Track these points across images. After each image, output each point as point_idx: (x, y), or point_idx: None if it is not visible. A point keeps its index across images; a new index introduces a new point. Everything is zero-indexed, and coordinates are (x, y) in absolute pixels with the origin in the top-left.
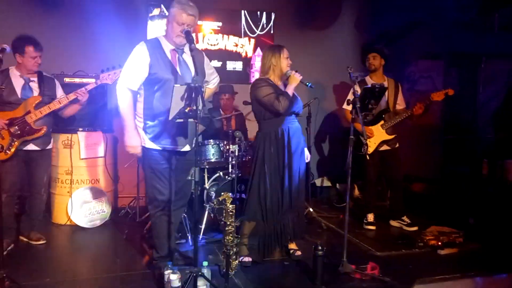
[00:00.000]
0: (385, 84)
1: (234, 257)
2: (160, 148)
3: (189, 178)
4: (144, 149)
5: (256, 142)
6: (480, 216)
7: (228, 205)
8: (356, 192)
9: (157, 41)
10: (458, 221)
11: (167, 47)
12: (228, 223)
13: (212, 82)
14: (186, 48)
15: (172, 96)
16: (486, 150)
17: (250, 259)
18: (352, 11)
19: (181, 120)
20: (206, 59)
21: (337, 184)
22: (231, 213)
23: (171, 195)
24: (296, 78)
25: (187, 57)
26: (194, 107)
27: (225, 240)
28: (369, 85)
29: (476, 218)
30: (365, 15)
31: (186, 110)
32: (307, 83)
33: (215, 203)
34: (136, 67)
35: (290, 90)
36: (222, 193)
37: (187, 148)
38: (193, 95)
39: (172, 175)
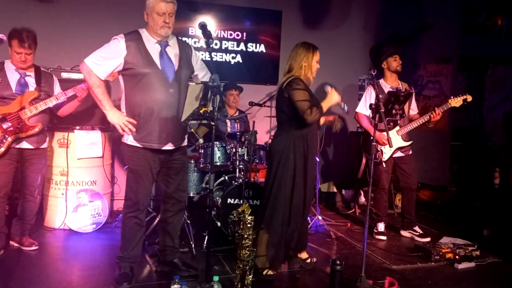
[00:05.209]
0: (401, 87)
1: (248, 272)
2: (141, 146)
3: (203, 185)
4: (124, 145)
5: (279, 144)
6: (494, 226)
7: (247, 216)
8: (362, 199)
9: (138, 34)
10: (471, 232)
11: (149, 40)
12: (246, 236)
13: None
14: (172, 42)
15: (186, 95)
16: (495, 158)
17: (274, 272)
18: (361, 13)
19: (194, 122)
20: (194, 53)
21: (343, 190)
22: (249, 225)
23: (147, 198)
24: (336, 98)
25: (172, 50)
26: (210, 108)
27: (241, 254)
28: (393, 89)
29: (491, 229)
30: (374, 17)
31: (201, 112)
32: (344, 106)
33: (234, 215)
34: (108, 58)
35: (325, 106)
36: (239, 202)
37: (169, 146)
38: (210, 95)
39: (160, 178)
